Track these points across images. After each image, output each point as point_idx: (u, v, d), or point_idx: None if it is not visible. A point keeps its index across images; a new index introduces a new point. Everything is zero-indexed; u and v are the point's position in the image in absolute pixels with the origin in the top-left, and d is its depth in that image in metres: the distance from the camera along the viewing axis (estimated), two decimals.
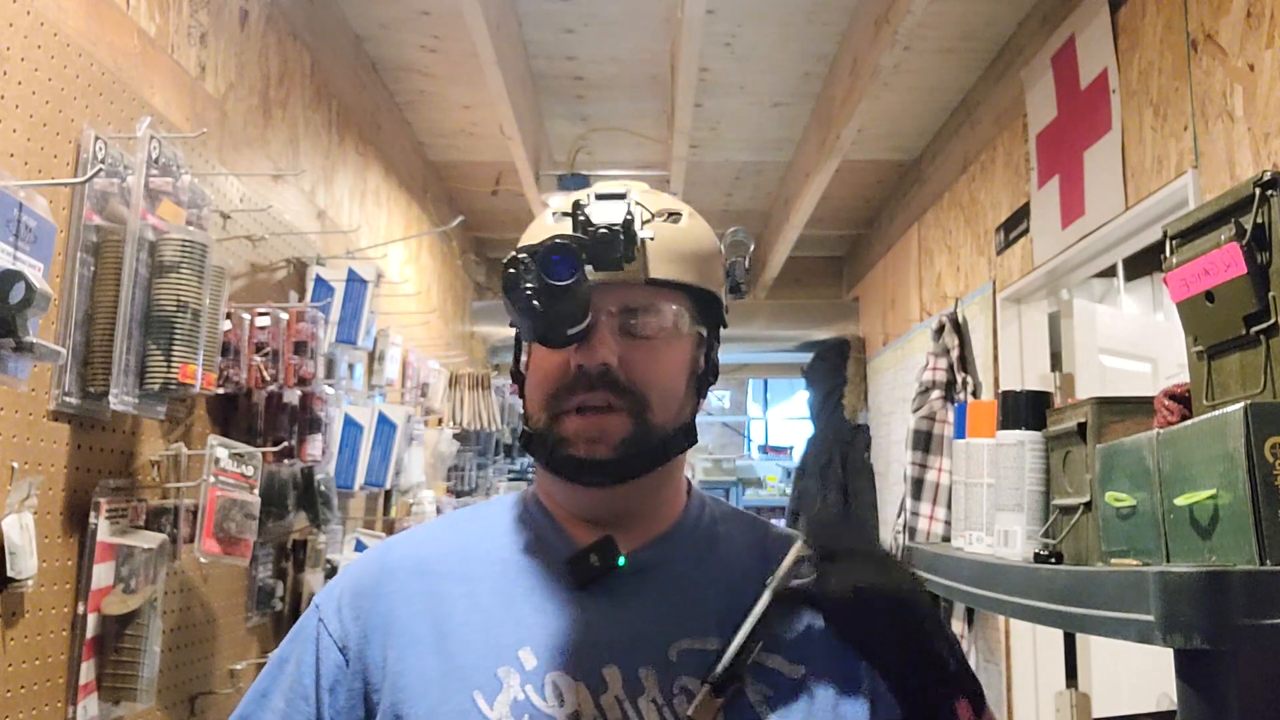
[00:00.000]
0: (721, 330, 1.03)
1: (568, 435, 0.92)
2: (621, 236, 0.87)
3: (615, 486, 0.94)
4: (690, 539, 1.00)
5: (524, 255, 0.87)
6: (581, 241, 0.87)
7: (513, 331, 0.99)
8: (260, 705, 0.95)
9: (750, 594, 0.94)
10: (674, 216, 0.97)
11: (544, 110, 3.65)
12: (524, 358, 0.99)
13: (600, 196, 0.92)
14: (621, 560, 0.94)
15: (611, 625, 0.92)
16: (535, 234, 0.97)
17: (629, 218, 0.89)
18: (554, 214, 0.98)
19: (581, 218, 0.89)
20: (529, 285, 0.85)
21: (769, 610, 0.91)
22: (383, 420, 2.75)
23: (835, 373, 4.92)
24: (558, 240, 0.86)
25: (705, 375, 1.00)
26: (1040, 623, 1.21)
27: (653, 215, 0.95)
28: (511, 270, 0.86)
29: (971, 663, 3.19)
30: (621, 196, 0.92)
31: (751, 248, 1.04)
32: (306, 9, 2.60)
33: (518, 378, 1.00)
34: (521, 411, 1.00)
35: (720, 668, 0.88)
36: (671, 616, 0.93)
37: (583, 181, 3.85)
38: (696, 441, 1.00)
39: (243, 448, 1.84)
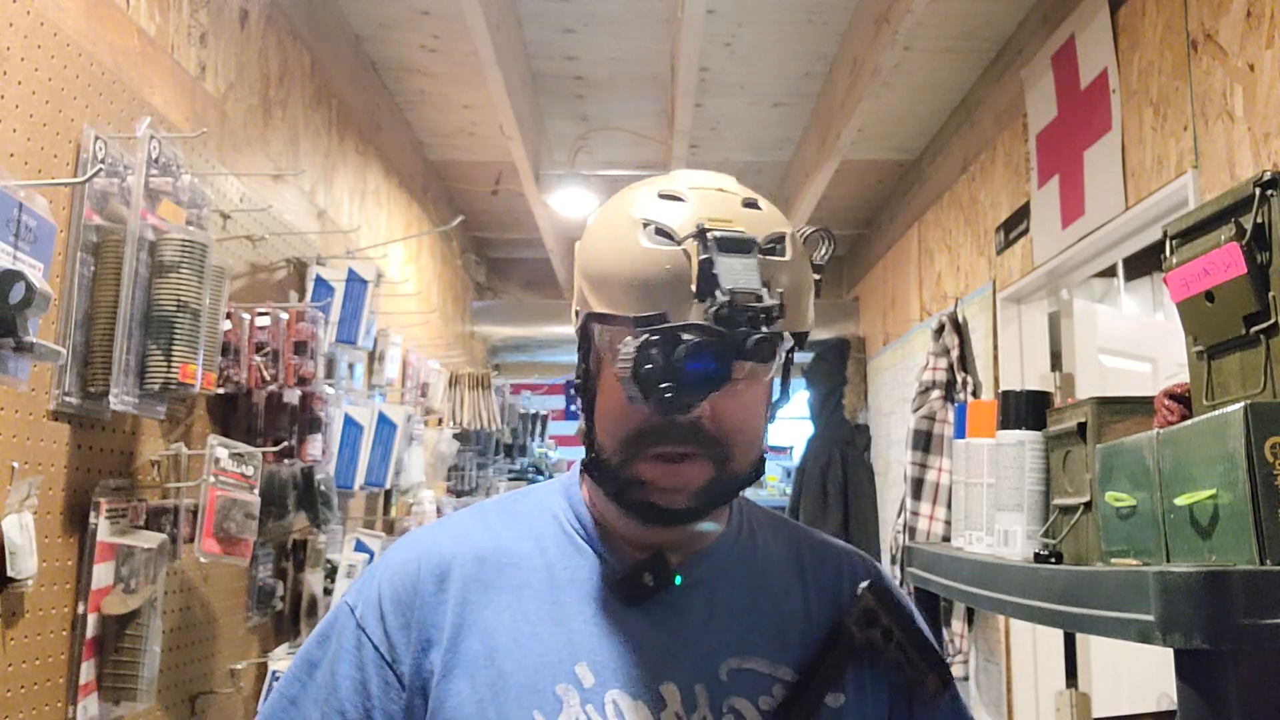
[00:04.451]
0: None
1: (645, 479, 0.87)
2: (773, 335, 0.81)
3: (683, 526, 0.92)
4: (734, 553, 0.98)
5: (657, 337, 0.80)
6: (728, 337, 0.80)
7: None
8: (290, 714, 0.91)
9: (790, 614, 0.95)
10: (779, 246, 0.88)
11: (544, 110, 3.65)
12: (590, 371, 0.92)
13: (725, 245, 0.83)
14: (678, 579, 0.92)
15: (663, 641, 0.90)
16: (626, 255, 0.86)
17: (778, 312, 0.81)
18: (645, 225, 0.87)
19: (723, 298, 0.80)
20: (665, 384, 0.80)
21: (833, 654, 0.92)
22: (383, 420, 2.75)
23: (835, 373, 4.92)
24: (705, 340, 0.80)
25: (779, 403, 0.96)
26: (1040, 623, 1.21)
27: (760, 248, 0.85)
28: (649, 365, 0.80)
29: (971, 663, 3.20)
30: (748, 248, 0.83)
31: (826, 250, 0.95)
32: (306, 9, 2.60)
33: (582, 392, 0.93)
34: (585, 430, 0.94)
35: (789, 711, 0.89)
36: (720, 634, 0.92)
37: (583, 182, 3.85)
38: (764, 474, 0.97)
39: (243, 448, 1.83)
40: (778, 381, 0.94)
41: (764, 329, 0.81)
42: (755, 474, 0.92)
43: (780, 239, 0.88)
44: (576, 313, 0.93)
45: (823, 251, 0.95)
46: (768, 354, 0.82)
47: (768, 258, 0.86)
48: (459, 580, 0.91)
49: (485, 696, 0.86)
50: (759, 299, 0.81)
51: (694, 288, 0.83)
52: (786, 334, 0.86)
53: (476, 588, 0.91)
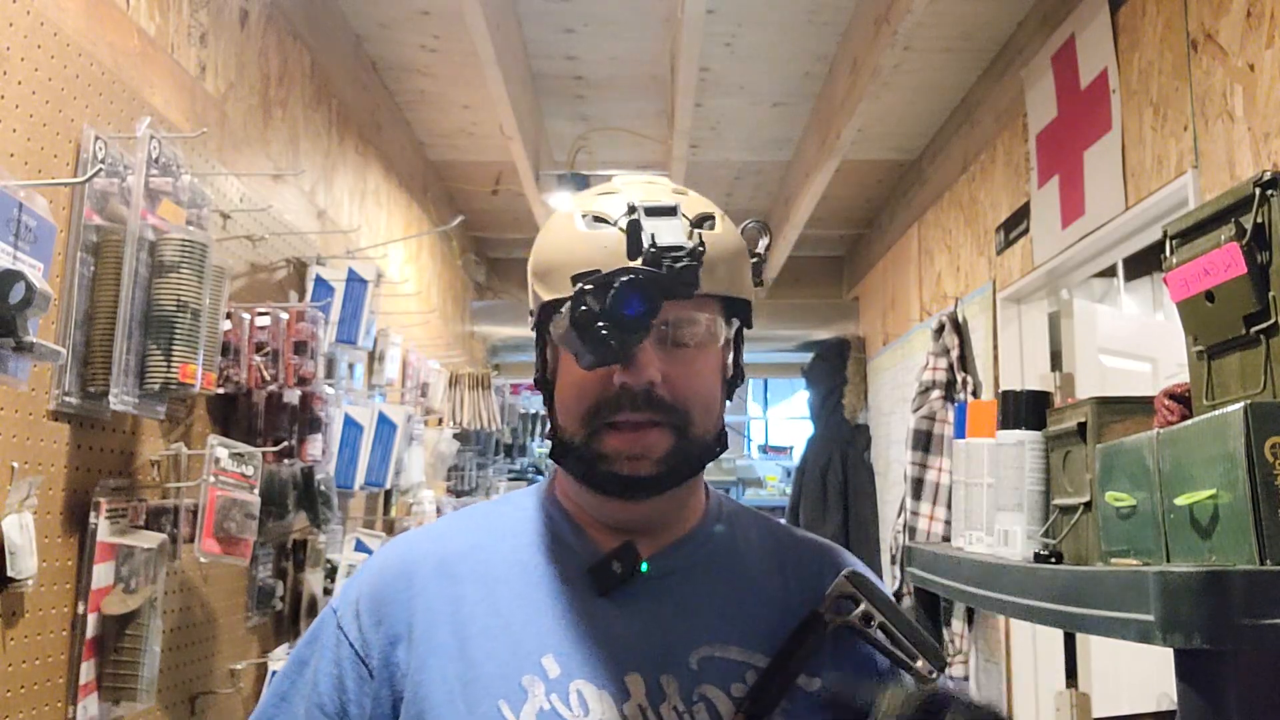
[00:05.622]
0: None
1: (608, 452, 0.91)
2: (696, 267, 0.85)
3: (652, 500, 0.94)
4: (708, 544, 1.00)
5: (590, 286, 0.85)
6: (656, 275, 0.85)
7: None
8: (280, 709, 0.95)
9: (766, 603, 0.96)
10: (709, 221, 0.94)
11: (544, 110, 3.65)
12: (548, 364, 0.97)
13: (652, 211, 0.89)
14: (644, 566, 0.94)
15: (633, 632, 0.92)
16: (567, 243, 0.93)
17: (700, 247, 0.86)
18: (584, 216, 0.93)
19: (649, 246, 0.86)
20: (601, 323, 0.84)
21: (805, 639, 0.93)
22: (383, 420, 2.75)
23: (835, 373, 4.92)
24: (635, 276, 0.84)
25: (734, 379, 0.99)
26: (1040, 623, 1.21)
27: (691, 224, 0.92)
28: (584, 307, 0.85)
29: (971, 663, 3.20)
30: (673, 211, 0.90)
31: (767, 241, 1.02)
32: (306, 9, 2.60)
33: (543, 385, 0.98)
34: (547, 420, 0.98)
35: (756, 696, 0.89)
36: (691, 623, 0.94)
37: (583, 181, 3.85)
38: (728, 446, 1.00)
39: (243, 447, 1.84)
40: (732, 360, 0.99)
41: (688, 262, 0.85)
42: (717, 445, 0.96)
43: (709, 216, 0.95)
44: (531, 313, 0.98)
45: (764, 242, 1.01)
46: (691, 281, 0.85)
47: (696, 228, 0.92)
48: (429, 578, 0.95)
49: (455, 687, 0.88)
50: (681, 248, 0.86)
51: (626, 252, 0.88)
52: (717, 293, 0.92)
53: (447, 583, 0.94)
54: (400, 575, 0.95)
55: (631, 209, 0.89)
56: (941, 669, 0.94)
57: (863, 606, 0.94)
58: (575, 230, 0.93)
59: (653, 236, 0.86)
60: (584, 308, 0.85)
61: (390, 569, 0.97)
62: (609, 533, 0.97)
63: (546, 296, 0.93)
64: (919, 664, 0.93)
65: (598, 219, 0.92)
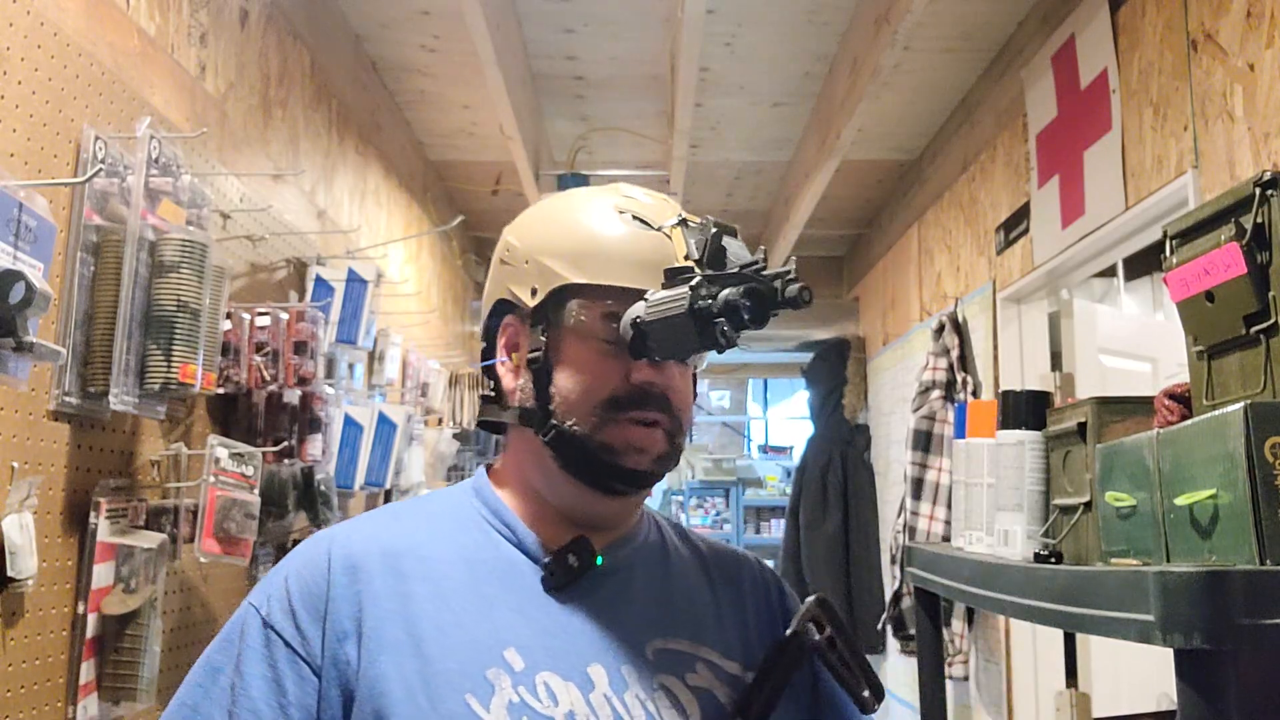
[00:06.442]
0: None
1: (615, 444, 0.93)
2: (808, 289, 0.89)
3: (631, 495, 0.98)
4: (646, 542, 1.04)
5: (692, 283, 0.87)
6: (771, 289, 0.88)
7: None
8: None
9: (698, 599, 1.02)
10: None
11: (544, 110, 3.65)
12: (546, 346, 0.95)
13: (719, 227, 0.92)
14: (599, 559, 0.96)
15: (590, 624, 0.93)
16: (616, 235, 0.94)
17: (795, 275, 0.88)
18: (621, 213, 0.95)
19: (750, 262, 0.89)
20: (720, 318, 0.86)
21: (787, 658, 0.96)
22: (383, 420, 2.75)
23: (835, 373, 4.92)
24: (755, 287, 0.87)
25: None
26: (1040, 623, 1.21)
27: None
28: (708, 302, 0.87)
29: (971, 663, 3.20)
30: (735, 232, 0.94)
31: None
32: (306, 9, 2.60)
33: (540, 368, 0.95)
34: (537, 407, 0.96)
35: (746, 707, 0.93)
36: (643, 616, 0.97)
37: (583, 182, 3.85)
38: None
39: (243, 447, 1.83)
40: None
41: (803, 283, 0.88)
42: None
43: None
44: (533, 290, 0.96)
45: None
46: (809, 300, 0.88)
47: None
48: (374, 572, 0.91)
49: (413, 684, 0.86)
50: (789, 270, 0.90)
51: (697, 261, 0.91)
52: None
53: (394, 579, 0.91)
54: (341, 569, 0.91)
55: (682, 220, 0.94)
56: (880, 699, 0.98)
57: (828, 632, 0.98)
58: (618, 224, 0.95)
59: (747, 262, 0.90)
60: (707, 303, 0.86)
61: (324, 562, 0.92)
62: (559, 528, 0.97)
63: (579, 278, 0.93)
64: (866, 694, 0.97)
65: (637, 218, 0.95)
